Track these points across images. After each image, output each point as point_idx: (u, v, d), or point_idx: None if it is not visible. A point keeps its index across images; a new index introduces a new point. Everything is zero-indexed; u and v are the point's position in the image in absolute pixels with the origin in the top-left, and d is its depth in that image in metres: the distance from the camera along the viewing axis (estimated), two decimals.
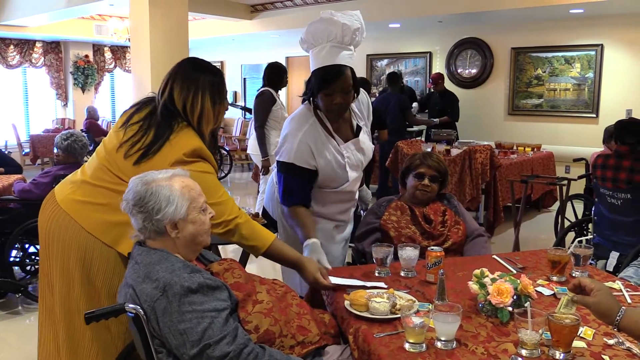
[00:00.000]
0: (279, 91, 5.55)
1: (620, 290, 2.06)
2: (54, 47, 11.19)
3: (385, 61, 9.44)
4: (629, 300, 1.98)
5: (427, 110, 7.96)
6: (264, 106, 5.34)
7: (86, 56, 11.41)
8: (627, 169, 3.64)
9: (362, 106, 2.64)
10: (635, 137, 3.67)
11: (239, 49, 11.33)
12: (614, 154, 3.80)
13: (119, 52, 12.10)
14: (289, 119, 2.52)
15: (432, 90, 7.99)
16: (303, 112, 2.47)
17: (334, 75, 2.29)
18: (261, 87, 5.51)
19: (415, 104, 8.02)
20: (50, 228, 2.08)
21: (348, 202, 2.66)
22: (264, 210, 2.84)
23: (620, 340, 1.62)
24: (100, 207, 2.01)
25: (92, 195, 2.04)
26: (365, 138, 2.59)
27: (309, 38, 2.37)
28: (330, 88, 2.30)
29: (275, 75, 5.46)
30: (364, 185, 2.92)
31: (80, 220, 2.02)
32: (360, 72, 9.29)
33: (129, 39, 7.31)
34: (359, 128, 2.58)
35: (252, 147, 5.60)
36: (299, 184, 2.42)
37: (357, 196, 2.77)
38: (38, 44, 10.91)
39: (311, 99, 2.45)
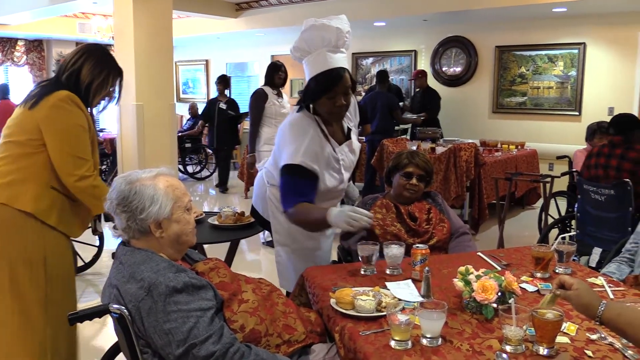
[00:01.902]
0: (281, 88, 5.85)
1: (603, 286, 2.09)
2: (36, 46, 11.06)
3: (370, 59, 9.46)
4: (612, 296, 2.00)
5: (408, 113, 8.01)
6: (256, 104, 5.62)
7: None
8: (619, 156, 3.86)
9: (350, 107, 2.63)
10: (628, 128, 3.93)
11: (224, 48, 11.29)
12: (608, 143, 4.02)
13: None
14: (288, 125, 2.48)
15: (415, 85, 8.05)
16: (302, 118, 2.46)
17: (335, 78, 2.34)
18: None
19: (401, 103, 8.07)
20: None
21: (337, 198, 2.69)
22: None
23: (603, 335, 1.64)
24: None
25: None
26: (354, 139, 2.64)
27: (302, 45, 2.39)
28: (333, 91, 2.34)
29: (268, 73, 5.72)
30: (350, 182, 2.93)
31: None
32: None
33: (112, 37, 7.24)
34: (349, 130, 2.63)
35: None
36: (308, 186, 2.37)
37: (342, 194, 2.78)
38: (20, 42, 10.77)
39: (309, 105, 2.46)
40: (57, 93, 2.27)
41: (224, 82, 8.50)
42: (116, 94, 2.52)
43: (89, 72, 2.35)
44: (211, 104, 8.51)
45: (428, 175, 2.80)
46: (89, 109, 2.42)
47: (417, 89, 8.05)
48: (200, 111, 10.36)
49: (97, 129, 2.57)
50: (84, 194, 2.32)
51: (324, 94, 2.36)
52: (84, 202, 2.37)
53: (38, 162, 2.29)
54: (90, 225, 2.80)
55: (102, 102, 2.50)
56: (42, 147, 2.28)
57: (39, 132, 2.26)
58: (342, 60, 2.38)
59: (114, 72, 2.45)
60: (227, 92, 8.66)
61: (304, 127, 2.41)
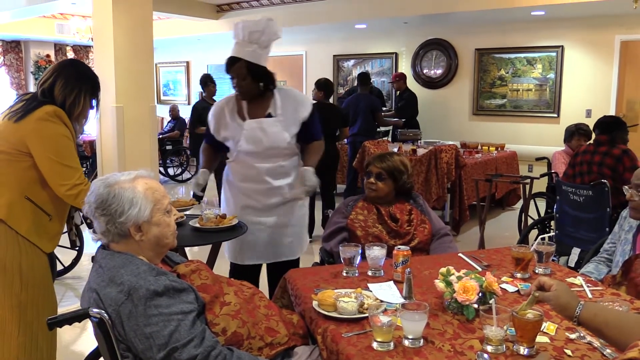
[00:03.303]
0: None
1: (582, 286, 2.11)
2: (13, 47, 10.90)
3: (351, 62, 9.48)
4: (590, 295, 2.03)
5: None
6: None
7: (47, 56, 11.15)
8: (603, 153, 4.05)
9: (286, 102, 2.93)
10: (612, 129, 4.17)
11: (204, 49, 11.23)
12: (594, 142, 4.22)
13: (82, 51, 11.86)
14: None
15: (394, 88, 8.09)
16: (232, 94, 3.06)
17: (229, 63, 2.88)
18: None
19: (384, 108, 8.12)
20: None
21: (257, 182, 2.93)
22: None
23: (582, 335, 1.66)
24: None
25: None
26: (272, 125, 2.88)
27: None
28: (230, 73, 2.88)
29: None
30: (309, 168, 2.90)
31: None
32: (327, 72, 9.31)
33: (91, 39, 7.16)
34: (270, 115, 2.91)
35: None
36: (210, 134, 3.06)
37: (274, 183, 2.91)
38: None
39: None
40: (44, 107, 2.28)
41: (213, 83, 7.72)
42: (93, 110, 2.51)
43: (60, 91, 2.35)
44: (204, 108, 7.20)
45: (389, 174, 2.80)
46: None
47: (397, 92, 8.10)
48: (181, 113, 10.29)
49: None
50: (76, 201, 2.31)
51: (228, 74, 2.91)
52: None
53: (17, 170, 2.28)
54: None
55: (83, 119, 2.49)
56: (24, 157, 2.27)
57: (23, 145, 2.26)
58: (247, 52, 2.84)
59: (86, 90, 2.42)
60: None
61: (227, 97, 3.06)
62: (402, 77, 7.93)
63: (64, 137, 2.30)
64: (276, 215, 2.97)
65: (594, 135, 4.40)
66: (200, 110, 7.50)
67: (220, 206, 3.18)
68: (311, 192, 2.92)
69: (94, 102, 2.49)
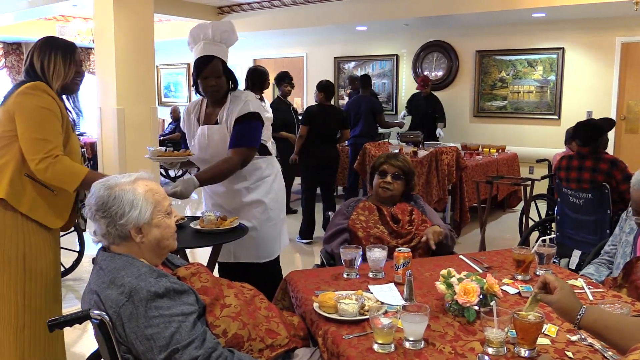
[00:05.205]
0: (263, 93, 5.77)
1: (582, 288, 2.11)
2: (15, 49, 10.93)
3: (352, 64, 9.48)
4: (591, 297, 2.03)
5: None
6: None
7: None
8: (590, 168, 3.80)
9: (231, 108, 2.86)
10: (593, 138, 3.82)
11: None
12: (576, 155, 3.95)
13: (83, 53, 11.86)
14: None
15: (422, 93, 7.84)
16: (197, 99, 3.09)
17: (205, 61, 2.82)
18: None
19: (404, 112, 8.10)
20: None
21: (216, 184, 2.99)
22: None
23: (583, 337, 1.66)
24: None
25: None
26: (215, 132, 2.88)
27: (190, 39, 2.94)
28: (204, 72, 2.82)
29: (256, 78, 5.61)
30: (193, 178, 2.74)
31: None
32: (328, 74, 9.32)
33: (92, 41, 7.17)
34: (217, 122, 2.91)
35: None
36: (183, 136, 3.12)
37: (229, 187, 2.95)
38: None
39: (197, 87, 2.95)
40: (27, 84, 2.32)
41: (288, 83, 6.89)
42: (70, 71, 2.44)
43: (37, 59, 2.37)
44: (282, 110, 6.76)
45: (404, 174, 2.81)
46: (70, 102, 2.50)
47: (424, 95, 7.84)
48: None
49: (78, 132, 2.61)
50: (46, 176, 2.27)
51: (199, 75, 2.84)
52: (59, 185, 2.33)
53: (14, 151, 2.30)
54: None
55: (72, 80, 2.45)
56: (17, 137, 2.30)
57: (12, 122, 2.28)
58: (220, 51, 2.85)
59: (57, 49, 2.41)
60: None
61: (192, 103, 3.08)
62: (428, 82, 7.84)
63: (43, 108, 2.28)
64: (239, 216, 2.98)
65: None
66: (282, 112, 6.76)
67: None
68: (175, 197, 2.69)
69: (67, 61, 2.42)
